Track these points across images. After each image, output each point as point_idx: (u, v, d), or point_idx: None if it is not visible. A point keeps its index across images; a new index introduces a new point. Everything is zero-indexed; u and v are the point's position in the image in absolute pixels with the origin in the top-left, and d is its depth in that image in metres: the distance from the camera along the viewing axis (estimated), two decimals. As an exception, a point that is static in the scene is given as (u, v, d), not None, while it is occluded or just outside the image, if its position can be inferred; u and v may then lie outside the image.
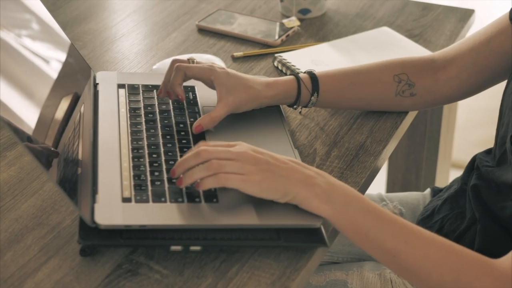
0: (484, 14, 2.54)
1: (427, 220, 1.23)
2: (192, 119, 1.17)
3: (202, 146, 1.00)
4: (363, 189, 1.12)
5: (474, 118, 2.84)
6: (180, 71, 1.16)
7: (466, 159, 1.28)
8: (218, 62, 1.38)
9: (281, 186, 0.97)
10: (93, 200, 0.98)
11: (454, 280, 0.92)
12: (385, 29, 1.50)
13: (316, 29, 1.53)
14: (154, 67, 1.39)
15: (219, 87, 1.15)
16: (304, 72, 1.21)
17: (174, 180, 1.02)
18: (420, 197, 1.37)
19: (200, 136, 1.14)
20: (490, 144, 1.22)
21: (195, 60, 1.18)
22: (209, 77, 1.15)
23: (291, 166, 0.99)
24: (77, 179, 0.99)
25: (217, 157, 0.98)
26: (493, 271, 0.92)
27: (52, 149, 0.97)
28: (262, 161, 0.98)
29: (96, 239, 0.95)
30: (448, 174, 1.86)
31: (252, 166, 0.97)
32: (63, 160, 0.98)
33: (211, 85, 1.18)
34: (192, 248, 0.96)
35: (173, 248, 0.96)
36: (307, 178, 0.98)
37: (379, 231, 0.95)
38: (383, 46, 1.44)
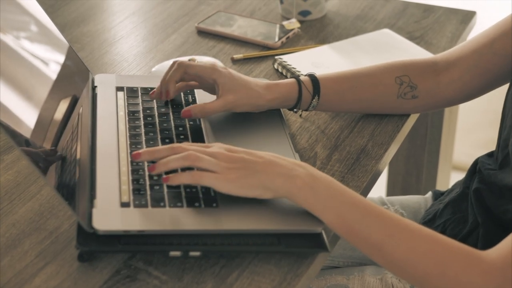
0: (486, 16, 2.53)
1: (429, 224, 1.22)
2: (191, 122, 1.16)
3: (176, 144, 1.00)
4: (364, 193, 1.11)
5: (475, 120, 2.83)
6: (181, 68, 1.15)
7: (467, 161, 1.27)
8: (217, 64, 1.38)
9: (258, 182, 0.96)
10: (91, 205, 0.97)
11: (441, 273, 0.90)
12: (386, 31, 1.49)
13: (317, 31, 1.52)
14: (153, 69, 1.38)
15: (221, 85, 1.14)
16: (305, 75, 1.20)
17: (138, 162, 1.03)
18: (421, 200, 1.36)
19: (199, 138, 1.13)
20: (492, 146, 1.21)
21: (196, 61, 1.17)
22: (210, 75, 1.14)
23: (268, 160, 0.98)
24: (75, 184, 0.98)
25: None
26: (480, 263, 0.90)
27: (50, 153, 0.96)
28: (237, 159, 0.97)
29: (94, 245, 0.94)
30: (449, 177, 1.85)
31: (227, 164, 0.97)
32: (60, 164, 0.97)
33: (211, 87, 1.17)
34: (192, 253, 0.95)
35: (172, 253, 0.95)
36: (287, 171, 0.97)
37: (365, 225, 0.93)
38: (384, 48, 1.43)
